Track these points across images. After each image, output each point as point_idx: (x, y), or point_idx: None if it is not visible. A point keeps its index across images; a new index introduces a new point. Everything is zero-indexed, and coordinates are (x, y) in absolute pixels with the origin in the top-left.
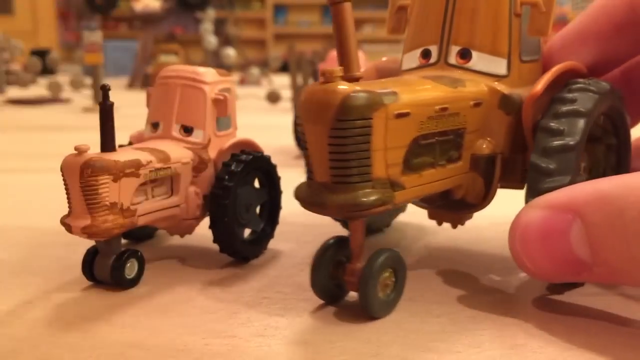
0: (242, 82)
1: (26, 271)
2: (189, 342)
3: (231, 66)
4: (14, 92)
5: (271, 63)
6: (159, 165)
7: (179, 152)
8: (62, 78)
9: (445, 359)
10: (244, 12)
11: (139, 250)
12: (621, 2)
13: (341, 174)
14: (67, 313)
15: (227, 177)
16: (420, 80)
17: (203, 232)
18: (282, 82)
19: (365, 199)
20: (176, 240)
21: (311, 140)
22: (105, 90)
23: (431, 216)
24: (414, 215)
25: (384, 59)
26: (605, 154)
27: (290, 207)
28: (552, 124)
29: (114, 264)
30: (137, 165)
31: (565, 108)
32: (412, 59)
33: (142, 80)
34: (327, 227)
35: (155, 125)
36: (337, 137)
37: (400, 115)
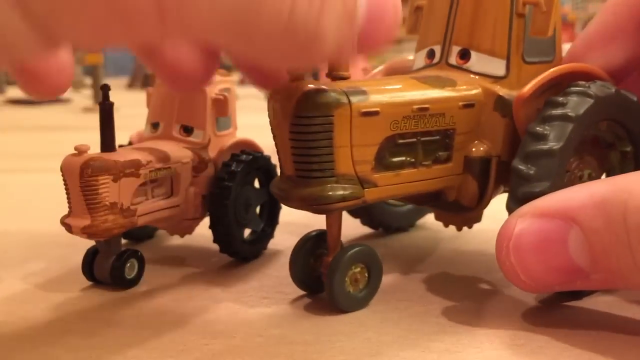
0: (242, 82)
1: (26, 271)
2: (189, 342)
3: (231, 66)
4: (14, 92)
5: None
6: (158, 165)
7: (179, 152)
8: None
9: (445, 359)
10: None
11: (138, 250)
12: None
13: (303, 168)
14: (67, 313)
15: (227, 177)
16: (402, 80)
17: (203, 232)
18: None
19: (326, 194)
20: (176, 240)
21: (277, 134)
22: (105, 90)
23: (437, 217)
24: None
25: (398, 59)
26: (620, 161)
27: (290, 208)
28: (537, 128)
29: (114, 264)
30: (137, 165)
31: (553, 112)
32: (420, 58)
33: (142, 80)
34: None
35: (155, 125)
36: (297, 132)
37: (368, 114)
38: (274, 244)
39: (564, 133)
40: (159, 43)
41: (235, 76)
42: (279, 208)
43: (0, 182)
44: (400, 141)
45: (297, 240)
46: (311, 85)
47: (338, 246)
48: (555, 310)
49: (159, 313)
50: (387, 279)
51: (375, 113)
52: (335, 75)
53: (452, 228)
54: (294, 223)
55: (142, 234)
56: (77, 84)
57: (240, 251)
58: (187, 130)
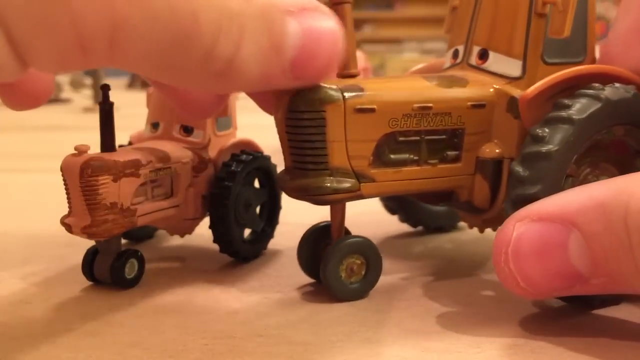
0: None
1: (26, 271)
2: (189, 342)
3: None
4: None
5: None
6: (159, 165)
7: (178, 152)
8: (62, 78)
9: (445, 359)
10: None
11: (139, 250)
12: None
13: (298, 160)
14: (67, 313)
15: (227, 177)
16: (408, 79)
17: (203, 232)
18: None
19: (318, 185)
20: (176, 240)
21: (277, 128)
22: (105, 90)
23: (462, 218)
24: None
25: (435, 59)
26: None
27: (290, 207)
28: (538, 130)
29: (114, 264)
30: (137, 165)
31: (556, 114)
32: (447, 58)
33: (142, 80)
34: None
35: (155, 125)
36: (290, 126)
37: (362, 111)
38: (274, 244)
39: (561, 136)
40: (106, 66)
41: None
42: (279, 208)
43: (0, 182)
44: (402, 139)
45: (297, 240)
46: None
47: (341, 236)
48: (555, 311)
49: (159, 313)
50: (389, 278)
51: (371, 110)
52: (344, 73)
53: (487, 231)
54: (294, 223)
55: (142, 234)
56: (77, 84)
57: (240, 251)
58: (187, 130)
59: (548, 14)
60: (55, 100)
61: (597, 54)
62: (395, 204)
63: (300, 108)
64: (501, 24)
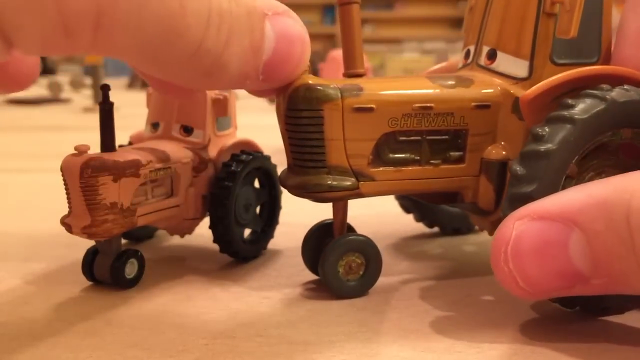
0: None
1: (26, 271)
2: (189, 342)
3: None
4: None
5: None
6: (159, 165)
7: (179, 152)
8: (62, 78)
9: (445, 359)
10: None
11: (139, 250)
12: None
13: (297, 157)
14: (67, 313)
15: (227, 177)
16: (411, 79)
17: (203, 232)
18: None
19: (315, 183)
20: (176, 240)
21: (279, 127)
22: (105, 90)
23: (471, 220)
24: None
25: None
26: None
27: (290, 207)
28: (538, 129)
29: (114, 264)
30: (137, 165)
31: (557, 113)
32: (461, 59)
33: (142, 80)
34: None
35: (155, 126)
36: (289, 124)
37: (360, 110)
38: (274, 244)
39: (560, 135)
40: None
41: None
42: (279, 208)
43: (1, 182)
44: (402, 138)
45: (298, 240)
46: (308, 81)
47: (342, 233)
48: (556, 312)
49: (159, 313)
50: (389, 278)
51: (370, 109)
52: (350, 73)
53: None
54: (294, 223)
55: (142, 234)
56: (77, 84)
57: (240, 251)
58: (187, 130)
59: (558, 14)
60: (55, 100)
61: None
62: (410, 203)
63: (298, 106)
64: (510, 24)
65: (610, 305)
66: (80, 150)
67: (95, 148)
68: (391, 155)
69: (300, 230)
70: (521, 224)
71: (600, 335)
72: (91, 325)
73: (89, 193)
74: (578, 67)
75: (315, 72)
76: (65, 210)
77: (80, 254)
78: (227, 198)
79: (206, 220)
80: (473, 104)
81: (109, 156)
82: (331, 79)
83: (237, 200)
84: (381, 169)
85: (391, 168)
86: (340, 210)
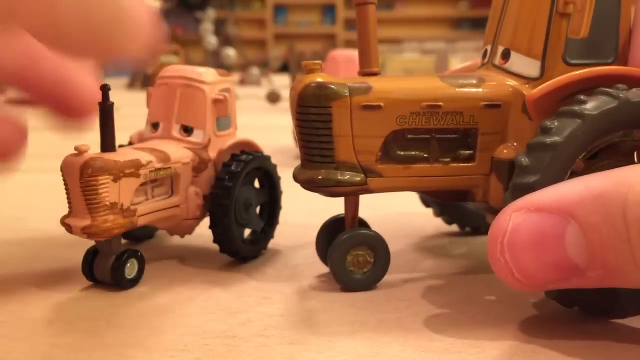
0: (242, 82)
1: (26, 271)
2: (189, 342)
3: (231, 66)
4: (14, 92)
5: (271, 63)
6: (159, 165)
7: (179, 152)
8: None
9: (445, 359)
10: (244, 12)
11: (139, 250)
12: None
13: (306, 152)
14: (67, 313)
15: (227, 177)
16: (421, 78)
17: (203, 232)
18: (282, 82)
19: (323, 177)
20: (176, 240)
21: (293, 123)
22: (105, 90)
23: (487, 219)
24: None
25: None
26: None
27: (290, 207)
28: (547, 122)
29: (114, 264)
30: (137, 165)
31: (568, 108)
32: (480, 59)
33: (142, 80)
34: None
35: (155, 126)
36: (299, 120)
37: (369, 107)
38: (274, 244)
39: (568, 129)
40: None
41: (235, 76)
42: (279, 208)
43: (1, 182)
44: (410, 136)
45: (298, 240)
46: (318, 79)
47: (353, 226)
48: (556, 311)
49: (159, 313)
50: (389, 277)
51: (378, 107)
52: (365, 71)
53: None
54: (294, 223)
55: (142, 234)
56: None
57: (240, 251)
58: (187, 130)
59: (571, 14)
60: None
61: None
62: (430, 197)
63: (307, 103)
64: (523, 24)
65: (612, 309)
66: (80, 150)
67: (95, 148)
68: (400, 153)
69: (300, 230)
70: (518, 216)
71: (600, 334)
72: (91, 325)
73: (89, 193)
74: (592, 68)
75: None
76: (65, 210)
77: (80, 254)
78: (226, 198)
79: (206, 220)
80: (482, 103)
81: (109, 156)
82: (342, 77)
83: (237, 200)
84: (389, 165)
85: (400, 165)
86: (351, 205)
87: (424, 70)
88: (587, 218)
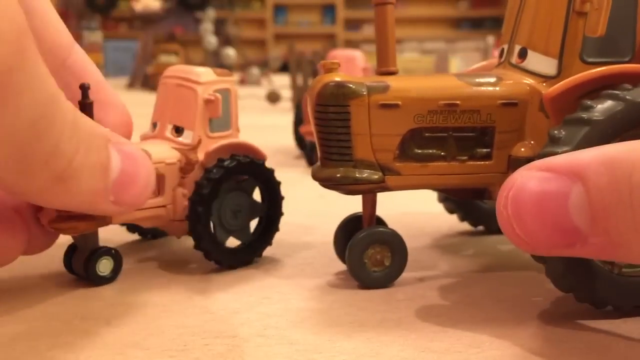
0: (242, 82)
1: (26, 271)
2: (189, 342)
3: (231, 66)
4: None
5: (271, 63)
6: None
7: (163, 153)
8: None
9: (445, 359)
10: (244, 12)
11: (113, 248)
12: None
13: (325, 151)
14: (67, 313)
15: (205, 182)
16: (438, 77)
17: None
18: (282, 82)
19: (341, 175)
20: (177, 240)
21: (311, 122)
22: (84, 89)
23: None
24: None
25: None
26: None
27: (291, 207)
28: (555, 131)
29: (87, 260)
30: None
31: (575, 115)
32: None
33: (142, 80)
34: (328, 228)
35: (155, 125)
36: (317, 119)
37: (387, 106)
38: (274, 244)
39: (607, 108)
40: None
41: (235, 76)
42: (279, 215)
43: None
44: (428, 134)
45: (297, 241)
46: (336, 78)
47: (371, 224)
48: (555, 310)
49: (159, 313)
50: None
51: (395, 106)
52: (383, 70)
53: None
54: (294, 224)
55: (157, 231)
56: None
57: (222, 259)
58: (178, 130)
59: (588, 13)
60: None
61: None
62: (453, 204)
63: (326, 102)
64: (540, 23)
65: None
66: None
67: None
68: (417, 151)
69: (301, 230)
70: (528, 173)
71: (600, 334)
72: (91, 325)
73: None
74: (609, 66)
75: (315, 72)
76: None
77: None
78: (201, 205)
79: None
80: (500, 101)
81: None
82: (360, 76)
83: (222, 206)
84: (407, 163)
85: (417, 163)
86: (369, 203)
87: (424, 70)
88: (593, 180)
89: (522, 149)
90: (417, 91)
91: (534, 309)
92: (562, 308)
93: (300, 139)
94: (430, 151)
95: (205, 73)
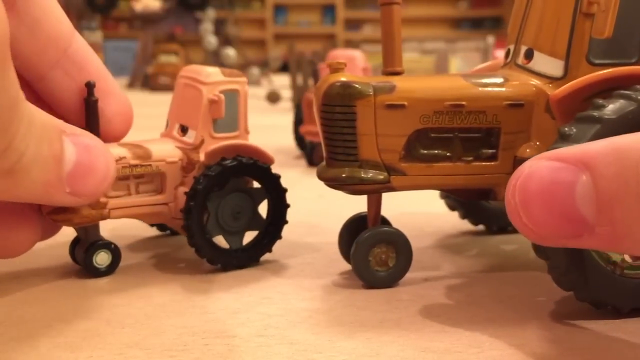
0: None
1: (26, 271)
2: (189, 342)
3: (231, 66)
4: None
5: (271, 63)
6: (134, 162)
7: (165, 151)
8: None
9: (445, 359)
10: (244, 12)
11: (112, 242)
12: None
13: (331, 151)
14: (67, 313)
15: (200, 180)
16: (445, 77)
17: None
18: (282, 82)
19: (347, 175)
20: (178, 240)
21: (317, 122)
22: (90, 86)
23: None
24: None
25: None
26: None
27: (291, 207)
28: (566, 129)
29: (85, 252)
30: None
31: (586, 113)
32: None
33: (142, 80)
34: (328, 228)
35: (168, 124)
36: (323, 119)
37: (393, 107)
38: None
39: (618, 107)
40: None
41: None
42: (283, 222)
43: None
44: (434, 135)
45: (298, 242)
46: (342, 78)
47: (375, 224)
48: (555, 310)
49: (159, 313)
50: None
51: (401, 106)
52: (388, 71)
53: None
54: (295, 224)
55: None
56: None
57: (214, 259)
58: (184, 129)
59: (595, 14)
60: None
61: None
62: (454, 201)
63: (332, 102)
64: (547, 24)
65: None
66: None
67: None
68: (423, 151)
69: (301, 231)
70: (536, 163)
71: (600, 334)
72: (91, 325)
73: None
74: (616, 68)
75: (315, 72)
76: None
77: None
78: (194, 199)
79: None
80: (505, 102)
81: None
82: (366, 76)
83: (219, 207)
84: (412, 164)
85: (422, 164)
86: (374, 203)
87: (424, 70)
88: (600, 169)
89: (528, 150)
90: (423, 92)
91: (535, 309)
92: (562, 308)
93: (300, 139)
94: (436, 152)
95: (213, 74)
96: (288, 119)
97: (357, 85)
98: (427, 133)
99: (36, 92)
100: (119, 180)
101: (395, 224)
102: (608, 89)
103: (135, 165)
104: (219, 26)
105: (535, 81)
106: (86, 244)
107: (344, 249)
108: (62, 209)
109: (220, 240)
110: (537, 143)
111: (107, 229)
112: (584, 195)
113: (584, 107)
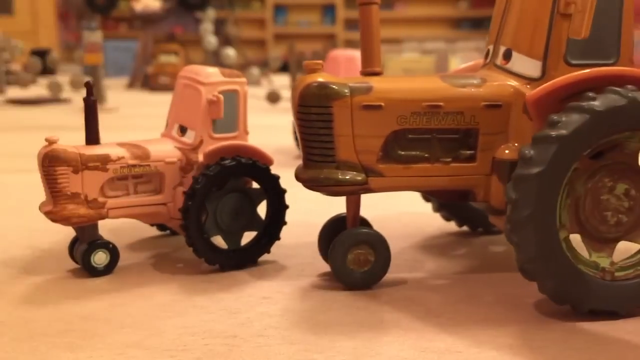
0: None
1: (26, 271)
2: (189, 342)
3: (231, 66)
4: (14, 92)
5: (271, 63)
6: (132, 162)
7: (164, 152)
8: (62, 78)
9: (445, 359)
10: (244, 12)
11: (110, 242)
12: None
13: (308, 152)
14: (67, 313)
15: (197, 179)
16: (422, 78)
17: None
18: (282, 82)
19: (324, 177)
20: (178, 240)
21: (294, 123)
22: (89, 86)
23: (490, 220)
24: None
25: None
26: None
27: (290, 207)
28: (554, 117)
29: (83, 251)
30: (104, 159)
31: (576, 103)
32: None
33: (142, 80)
34: None
35: (167, 124)
36: (300, 120)
37: (369, 107)
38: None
39: (574, 123)
40: None
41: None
42: (282, 223)
43: (1, 182)
44: (411, 136)
45: (298, 241)
46: (319, 79)
47: (354, 225)
48: (555, 310)
49: (159, 313)
50: (390, 277)
51: (378, 107)
52: (367, 71)
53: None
54: (294, 223)
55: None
56: (77, 84)
57: (211, 259)
58: (183, 130)
59: (572, 14)
60: (55, 100)
61: None
62: (438, 202)
63: (308, 103)
64: (525, 25)
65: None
66: (50, 141)
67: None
68: (400, 153)
69: (300, 230)
70: None
71: (600, 334)
72: (91, 325)
73: (49, 182)
74: (593, 68)
75: None
76: None
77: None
78: (192, 198)
79: None
80: (483, 103)
81: (75, 149)
82: (343, 77)
83: (218, 207)
84: (390, 165)
85: (400, 165)
86: (353, 204)
87: (424, 70)
88: None
89: (507, 151)
90: (400, 92)
91: (535, 309)
92: (562, 308)
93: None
94: (414, 153)
95: (212, 74)
96: (288, 119)
97: (333, 86)
98: (405, 134)
99: None
100: (117, 180)
101: (395, 224)
102: (585, 89)
103: (134, 165)
104: (219, 26)
105: (513, 82)
106: (84, 243)
107: (324, 250)
108: (59, 207)
109: (218, 241)
110: (516, 144)
111: (107, 229)
112: None
113: (560, 108)
